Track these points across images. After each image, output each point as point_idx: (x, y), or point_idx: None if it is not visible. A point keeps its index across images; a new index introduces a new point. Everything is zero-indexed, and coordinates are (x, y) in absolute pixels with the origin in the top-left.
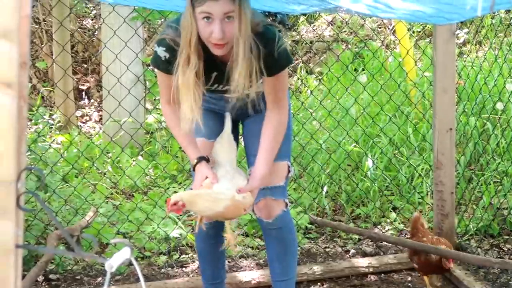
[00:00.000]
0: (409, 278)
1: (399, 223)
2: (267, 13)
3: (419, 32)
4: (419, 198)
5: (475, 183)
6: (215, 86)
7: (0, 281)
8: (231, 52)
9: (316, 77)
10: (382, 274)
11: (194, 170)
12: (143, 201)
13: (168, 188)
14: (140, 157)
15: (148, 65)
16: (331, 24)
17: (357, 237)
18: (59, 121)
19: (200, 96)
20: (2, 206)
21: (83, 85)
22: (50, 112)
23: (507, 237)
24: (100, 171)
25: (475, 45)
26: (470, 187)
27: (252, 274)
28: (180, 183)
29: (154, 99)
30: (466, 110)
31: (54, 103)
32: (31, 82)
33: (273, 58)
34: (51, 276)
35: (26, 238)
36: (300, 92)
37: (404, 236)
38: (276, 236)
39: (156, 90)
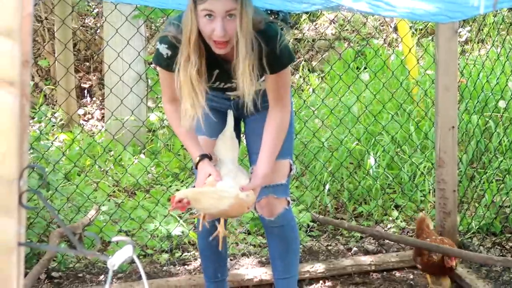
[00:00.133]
0: (411, 276)
1: (401, 221)
2: (269, 11)
3: (421, 30)
4: (421, 196)
5: (477, 181)
6: (216, 83)
7: (2, 279)
8: (233, 50)
9: (318, 75)
10: (384, 272)
11: (196, 168)
12: (145, 199)
13: (170, 186)
14: (142, 155)
15: (150, 63)
16: (333, 22)
17: (359, 235)
18: (61, 119)
19: (203, 93)
20: (5, 204)
21: (85, 83)
22: (52, 110)
23: (510, 235)
24: (102, 169)
25: (478, 43)
26: (472, 185)
27: (254, 272)
28: (182, 181)
29: (156, 97)
30: (468, 108)
31: (56, 101)
32: (33, 80)
33: (275, 56)
34: (53, 274)
35: (29, 236)
36: (302, 90)
37: (406, 234)
38: (278, 234)
39: (158, 88)
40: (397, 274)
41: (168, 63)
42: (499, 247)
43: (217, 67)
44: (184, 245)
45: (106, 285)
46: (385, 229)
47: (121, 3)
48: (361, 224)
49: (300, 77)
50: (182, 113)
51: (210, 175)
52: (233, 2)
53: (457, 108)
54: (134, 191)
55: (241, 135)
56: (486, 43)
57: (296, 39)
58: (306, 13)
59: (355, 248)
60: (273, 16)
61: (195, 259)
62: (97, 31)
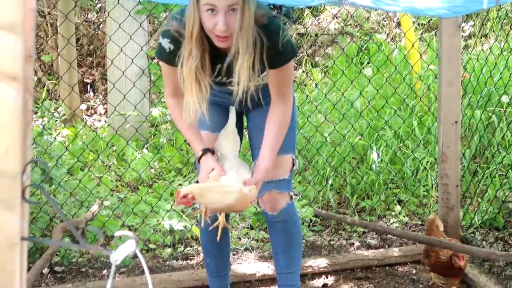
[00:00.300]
0: (414, 271)
1: (404, 216)
2: (272, 6)
3: (424, 25)
4: (424, 191)
5: (480, 176)
6: (219, 78)
7: (5, 273)
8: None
9: (321, 70)
10: (387, 267)
11: (199, 162)
12: (148, 193)
13: (173, 181)
14: (145, 150)
15: (153, 58)
16: (336, 17)
17: (361, 230)
18: (64, 114)
19: (207, 87)
20: (8, 199)
21: (88, 78)
22: (55, 105)
23: None
24: (105, 164)
25: (481, 38)
26: (475, 180)
27: (256, 267)
28: (185, 176)
29: (159, 92)
30: (471, 103)
31: (59, 96)
32: (36, 75)
33: (277, 51)
34: (56, 268)
35: (32, 230)
36: (305, 85)
37: (409, 229)
38: (281, 229)
39: (161, 83)
40: (400, 269)
41: (170, 57)
42: (501, 242)
43: (220, 61)
44: (187, 239)
45: (109, 279)
46: (388, 224)
47: None
48: (363, 219)
49: (303, 72)
50: (184, 107)
51: (213, 169)
52: None
53: (460, 103)
54: (137, 186)
55: (244, 130)
56: (490, 38)
57: (299, 34)
58: (309, 7)
59: (357, 243)
60: (276, 11)
61: (198, 254)
62: (100, 26)
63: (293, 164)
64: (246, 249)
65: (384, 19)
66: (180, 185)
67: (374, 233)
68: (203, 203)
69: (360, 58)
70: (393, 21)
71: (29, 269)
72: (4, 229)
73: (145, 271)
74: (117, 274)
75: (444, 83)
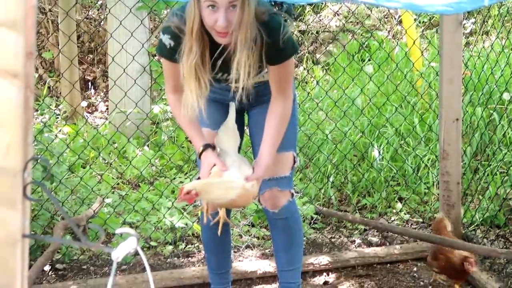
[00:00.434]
0: (415, 269)
1: (405, 214)
2: (273, 2)
3: (426, 22)
4: (425, 189)
5: (481, 174)
6: (219, 75)
7: (7, 271)
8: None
9: (322, 67)
10: (388, 264)
11: (200, 158)
12: (149, 191)
13: (174, 178)
14: (146, 147)
15: (154, 55)
16: (337, 14)
17: (363, 227)
18: (65, 112)
19: (207, 84)
20: (9, 196)
21: (89, 75)
22: (56, 102)
23: None
24: (106, 162)
25: (482, 35)
26: (476, 177)
27: (258, 264)
28: (186, 173)
29: (160, 90)
30: (472, 100)
31: (60, 93)
32: (37, 73)
33: (278, 47)
34: (58, 265)
35: (33, 228)
36: (306, 83)
37: (410, 226)
38: (282, 226)
39: (162, 80)
40: (401, 266)
41: (171, 54)
42: (502, 240)
43: (220, 57)
44: (188, 237)
45: (110, 277)
46: (389, 221)
47: None
48: (364, 216)
49: (304, 69)
50: (183, 103)
51: (214, 165)
52: None
53: (462, 100)
54: (138, 183)
55: (245, 128)
56: (491, 35)
57: (300, 31)
58: (310, 4)
59: (358, 241)
60: (277, 8)
61: (199, 251)
62: (101, 23)
63: (294, 162)
64: (247, 247)
65: (386, 16)
66: (181, 182)
67: (375, 230)
68: (206, 199)
69: (361, 56)
70: (395, 18)
71: (30, 266)
72: (6, 226)
73: (146, 268)
74: (118, 272)
75: (445, 80)
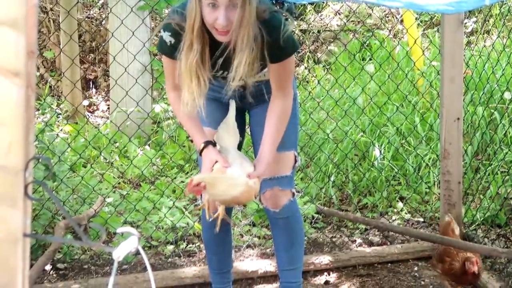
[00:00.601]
0: (416, 268)
1: (406, 213)
2: (274, 1)
3: (427, 21)
4: (426, 188)
5: (482, 173)
6: (219, 73)
7: (8, 270)
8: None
9: (324, 66)
10: (389, 264)
11: (200, 155)
12: (150, 190)
13: (175, 178)
14: (147, 147)
15: (155, 55)
16: (339, 14)
17: (363, 226)
18: (66, 111)
19: (206, 82)
20: (10, 195)
21: (91, 74)
22: (58, 101)
23: None
24: (107, 161)
25: (483, 34)
26: (477, 177)
27: (259, 264)
28: (187, 172)
29: (161, 89)
30: (473, 99)
31: (61, 92)
32: (39, 72)
33: (278, 46)
34: (59, 265)
35: (34, 227)
36: (308, 82)
37: (411, 226)
38: (283, 225)
39: (163, 79)
40: (402, 266)
41: (171, 51)
42: (503, 239)
43: (220, 56)
44: (189, 236)
45: (111, 276)
46: (390, 221)
47: None
48: (365, 216)
49: (306, 68)
50: (182, 100)
51: (216, 161)
52: None
53: (463, 99)
54: (139, 182)
55: (246, 126)
56: (492, 34)
57: (301, 30)
58: (312, 3)
59: (359, 240)
60: (278, 6)
61: (200, 251)
62: (102, 22)
63: (295, 161)
64: (248, 246)
65: (387, 16)
66: (182, 182)
67: (376, 230)
68: (209, 194)
69: (363, 55)
70: (396, 18)
71: (31, 265)
72: (7, 226)
73: (147, 268)
74: (119, 271)
75: (446, 79)
